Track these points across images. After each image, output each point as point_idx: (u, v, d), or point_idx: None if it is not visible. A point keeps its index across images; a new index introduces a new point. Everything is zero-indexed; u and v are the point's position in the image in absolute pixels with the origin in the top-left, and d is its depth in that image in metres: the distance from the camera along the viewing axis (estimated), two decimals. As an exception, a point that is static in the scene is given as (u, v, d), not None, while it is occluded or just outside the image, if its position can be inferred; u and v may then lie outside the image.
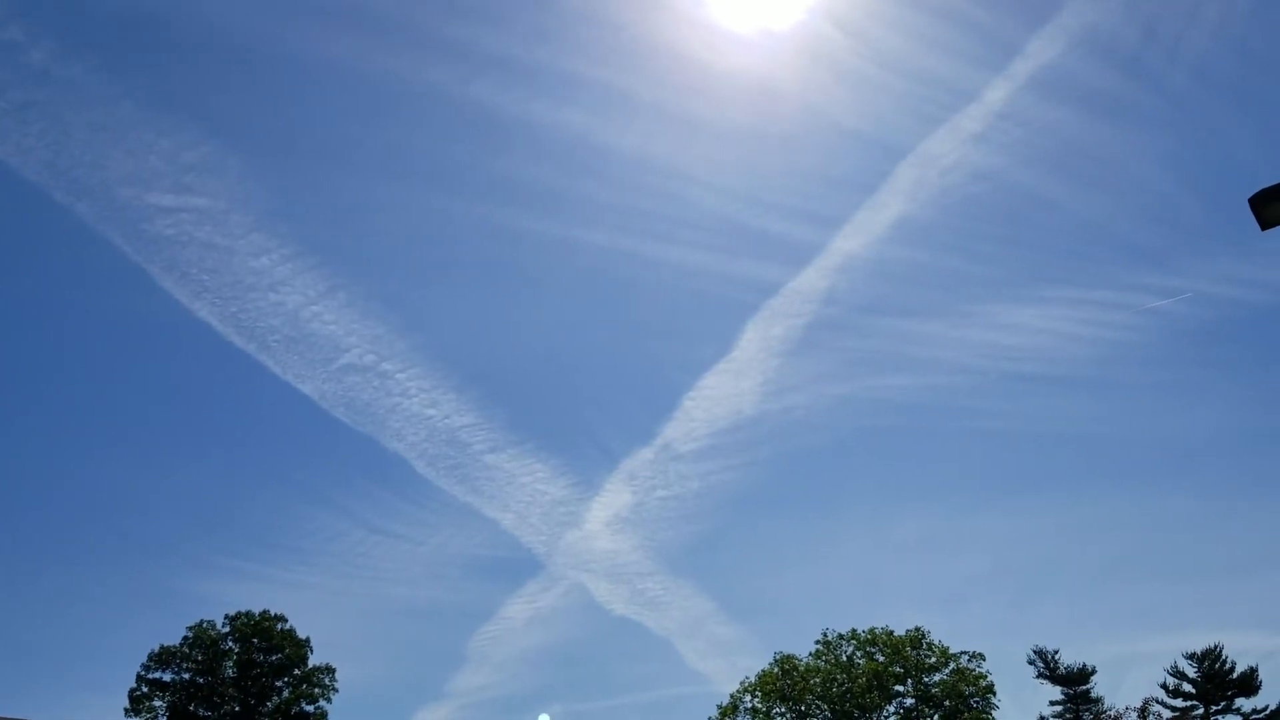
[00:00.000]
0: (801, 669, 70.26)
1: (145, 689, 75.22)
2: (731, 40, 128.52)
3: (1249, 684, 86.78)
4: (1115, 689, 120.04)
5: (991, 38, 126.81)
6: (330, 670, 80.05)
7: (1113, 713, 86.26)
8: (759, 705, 70.43)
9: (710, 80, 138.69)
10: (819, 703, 68.92)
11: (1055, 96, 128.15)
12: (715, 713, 71.26)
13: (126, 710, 74.63)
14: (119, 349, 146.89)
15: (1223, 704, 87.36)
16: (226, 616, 78.90)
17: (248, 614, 78.93)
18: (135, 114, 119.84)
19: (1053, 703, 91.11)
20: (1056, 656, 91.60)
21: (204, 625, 77.91)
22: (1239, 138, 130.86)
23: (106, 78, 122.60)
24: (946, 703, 67.22)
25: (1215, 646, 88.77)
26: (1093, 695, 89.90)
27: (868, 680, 67.60)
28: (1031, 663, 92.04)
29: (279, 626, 79.02)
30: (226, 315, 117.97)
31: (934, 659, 69.37)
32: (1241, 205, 14.60)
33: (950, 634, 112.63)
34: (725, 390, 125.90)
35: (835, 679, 69.05)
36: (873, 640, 70.63)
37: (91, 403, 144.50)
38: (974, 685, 67.55)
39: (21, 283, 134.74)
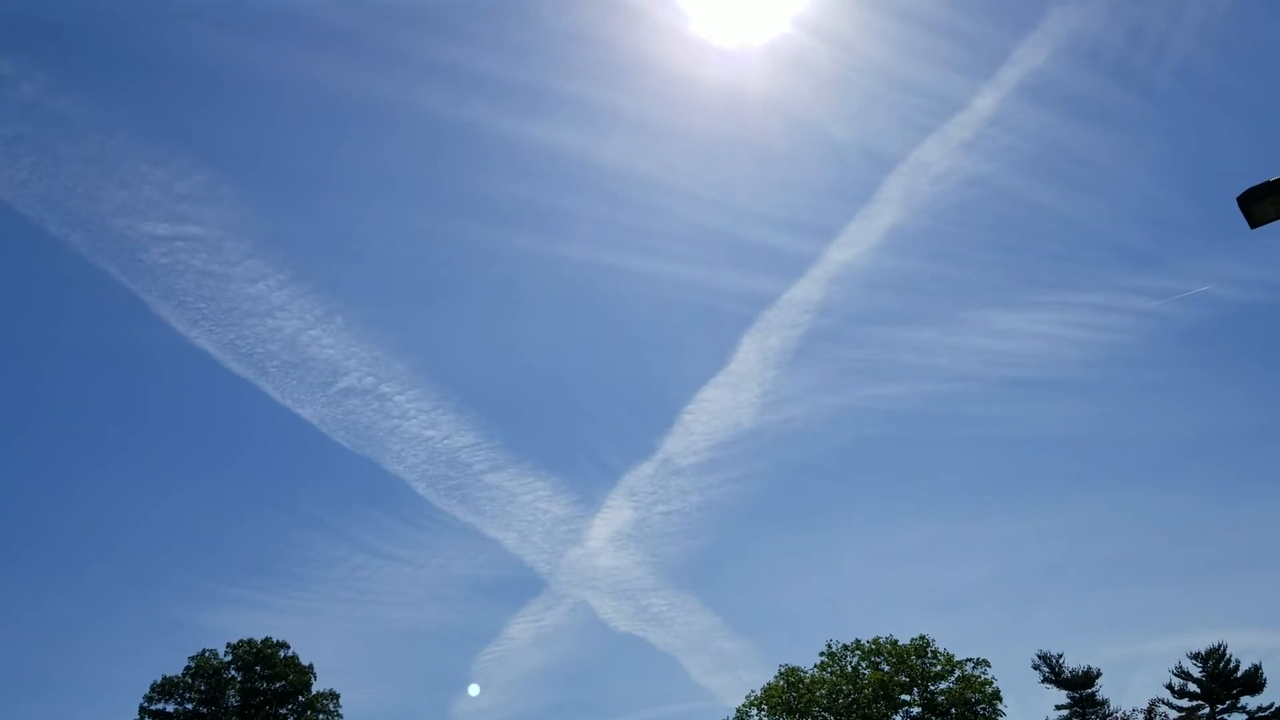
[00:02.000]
0: (807, 681, 70.05)
1: (148, 720, 74.93)
2: (719, 55, 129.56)
3: (1253, 682, 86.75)
4: (1121, 691, 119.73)
5: (978, 46, 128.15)
6: (334, 696, 79.77)
7: (1119, 715, 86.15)
8: (765, 719, 70.20)
9: (698, 95, 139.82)
10: (825, 714, 68.66)
11: (1043, 102, 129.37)
12: (722, 727, 71.10)
13: (130, 743, 74.37)
14: (117, 379, 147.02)
15: (1228, 703, 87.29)
16: (228, 645, 78.68)
17: (250, 642, 78.61)
18: (127, 144, 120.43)
19: (1059, 707, 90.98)
20: (1061, 660, 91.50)
21: (206, 654, 77.61)
22: (1226, 137, 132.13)
23: (97, 109, 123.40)
24: (953, 710, 67.01)
25: (1219, 645, 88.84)
26: (1098, 698, 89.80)
27: (874, 691, 67.40)
28: (1036, 667, 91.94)
29: (281, 654, 78.73)
30: (224, 342, 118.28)
31: (939, 667, 69.20)
32: (1230, 204, 14.76)
33: (954, 641, 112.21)
34: (724, 403, 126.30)
35: (841, 690, 68.85)
36: (877, 650, 70.45)
37: (90, 433, 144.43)
38: (980, 692, 67.36)
39: (19, 315, 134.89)
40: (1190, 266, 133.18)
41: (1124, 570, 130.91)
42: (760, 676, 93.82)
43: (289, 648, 79.48)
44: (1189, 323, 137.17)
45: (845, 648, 71.70)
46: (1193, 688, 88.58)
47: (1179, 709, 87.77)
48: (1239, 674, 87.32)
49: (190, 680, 76.26)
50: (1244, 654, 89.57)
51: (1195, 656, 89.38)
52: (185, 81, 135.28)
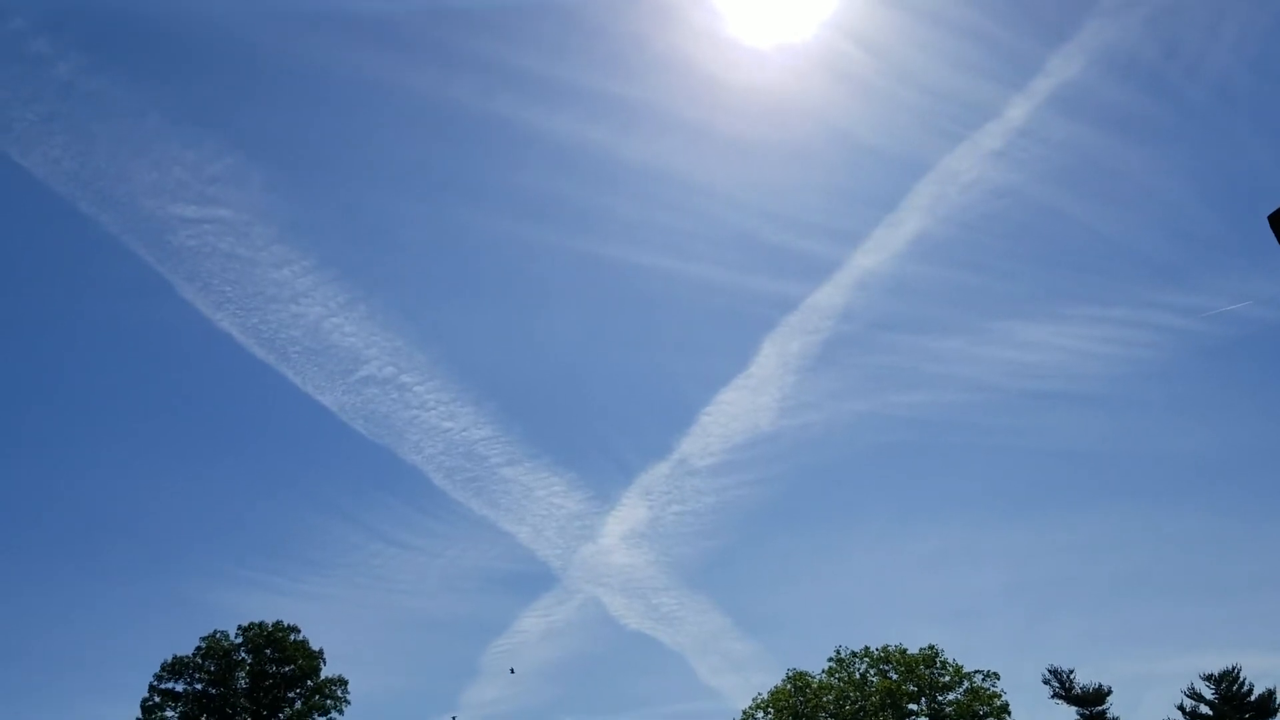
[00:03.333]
0: (815, 686, 69.87)
1: (157, 699, 75.43)
2: (752, 56, 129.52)
3: (1267, 706, 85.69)
4: (1132, 710, 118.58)
5: (1012, 55, 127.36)
6: (342, 682, 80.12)
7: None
8: (771, 722, 70.00)
9: (730, 95, 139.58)
10: (831, 720, 68.49)
11: (1075, 113, 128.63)
12: (727, 729, 71.01)
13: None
14: (141, 358, 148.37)
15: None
16: (240, 627, 79.25)
17: (261, 625, 79.08)
18: (160, 126, 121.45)
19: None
20: (1072, 676, 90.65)
21: (217, 636, 78.15)
22: (1259, 154, 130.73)
23: (131, 90, 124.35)
24: (960, 722, 66.67)
25: (1233, 668, 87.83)
26: (1109, 716, 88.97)
27: (881, 699, 67.15)
28: (1047, 682, 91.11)
29: (292, 637, 79.16)
30: (247, 326, 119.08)
31: (948, 677, 68.91)
32: (1261, 222, 14.54)
33: (964, 651, 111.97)
34: (743, 406, 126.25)
35: (848, 697, 68.63)
36: (886, 658, 70.19)
37: (111, 411, 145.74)
38: (988, 704, 67.02)
39: (45, 292, 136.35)
40: (1218, 283, 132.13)
41: (1139, 586, 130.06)
42: (769, 679, 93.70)
43: (299, 632, 79.98)
44: (1214, 340, 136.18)
45: (854, 654, 71.48)
46: (1205, 710, 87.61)
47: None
48: (1252, 697, 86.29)
49: (200, 660, 76.79)
50: (1258, 677, 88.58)
51: (1208, 678, 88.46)
52: (218, 65, 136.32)
